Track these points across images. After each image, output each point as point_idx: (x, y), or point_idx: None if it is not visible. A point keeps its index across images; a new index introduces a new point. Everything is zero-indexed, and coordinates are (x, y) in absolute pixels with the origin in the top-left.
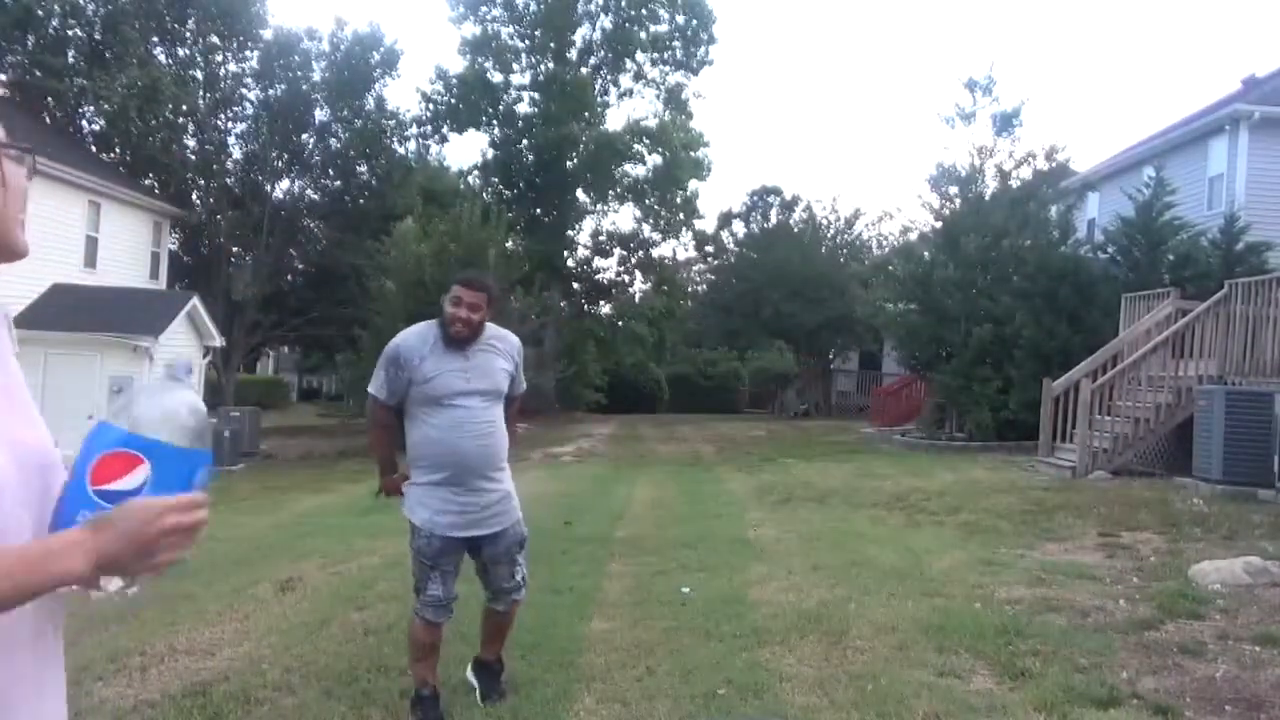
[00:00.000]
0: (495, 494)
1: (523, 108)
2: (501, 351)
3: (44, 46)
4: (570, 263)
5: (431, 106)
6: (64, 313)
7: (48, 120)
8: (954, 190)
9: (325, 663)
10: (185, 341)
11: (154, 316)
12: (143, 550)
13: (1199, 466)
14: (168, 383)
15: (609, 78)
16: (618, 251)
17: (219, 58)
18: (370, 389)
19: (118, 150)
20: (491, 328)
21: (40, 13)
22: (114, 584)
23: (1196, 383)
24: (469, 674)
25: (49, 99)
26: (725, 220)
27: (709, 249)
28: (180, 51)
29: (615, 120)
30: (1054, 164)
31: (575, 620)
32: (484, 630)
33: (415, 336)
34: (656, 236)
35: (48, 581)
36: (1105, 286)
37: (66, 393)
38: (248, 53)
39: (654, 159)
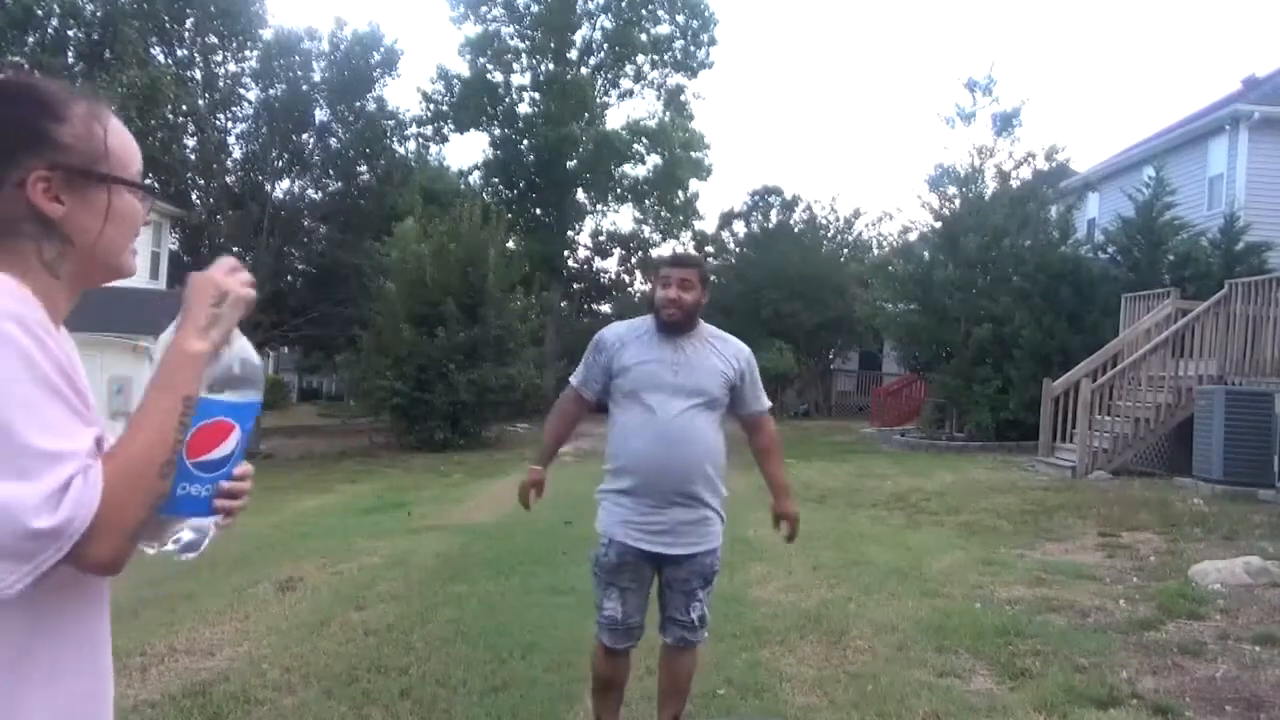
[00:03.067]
0: (691, 514)
1: (523, 108)
2: (721, 354)
3: (44, 46)
4: (570, 263)
5: (432, 106)
6: None
7: None
8: (954, 190)
9: (325, 663)
10: None
11: (154, 316)
12: (232, 302)
13: (1199, 466)
14: (239, 338)
15: (609, 78)
16: (618, 251)
17: (218, 58)
18: (571, 376)
19: None
20: (719, 333)
21: (40, 13)
22: (184, 535)
23: (1196, 383)
24: None
25: None
26: (726, 220)
27: (709, 249)
28: (179, 51)
29: (615, 120)
30: (1054, 164)
31: (575, 620)
32: (660, 679)
33: (624, 325)
34: (656, 237)
35: (191, 373)
36: (1105, 286)
37: None
38: (247, 53)
39: (654, 159)
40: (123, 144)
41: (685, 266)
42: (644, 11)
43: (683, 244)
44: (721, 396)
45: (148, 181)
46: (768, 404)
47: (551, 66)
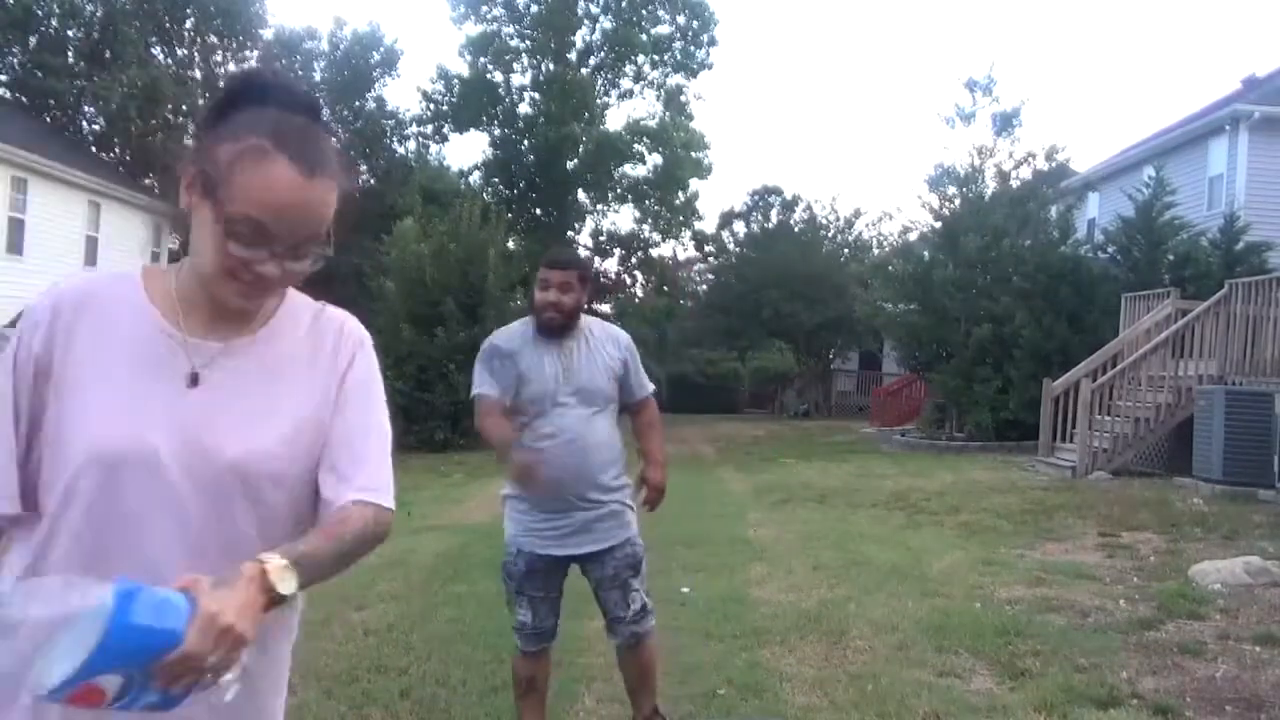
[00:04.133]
0: (596, 511)
1: (523, 108)
2: (603, 346)
3: (44, 46)
4: None
5: (432, 106)
6: None
7: (48, 120)
8: (954, 190)
9: (325, 663)
10: None
11: None
12: None
13: (1199, 466)
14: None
15: (609, 78)
16: (618, 251)
17: (218, 57)
18: (474, 392)
19: (118, 150)
20: (597, 323)
21: (40, 13)
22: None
23: (1196, 383)
24: None
25: (49, 99)
26: (726, 220)
27: (710, 249)
28: (179, 51)
29: (615, 120)
30: (1054, 164)
31: (575, 620)
32: (625, 680)
33: (508, 331)
34: (656, 237)
35: None
36: (1105, 286)
37: None
38: (247, 52)
39: (654, 159)
40: (249, 185)
41: (564, 268)
42: (644, 12)
43: (682, 244)
44: (613, 392)
45: (245, 230)
46: (651, 388)
47: (552, 66)
